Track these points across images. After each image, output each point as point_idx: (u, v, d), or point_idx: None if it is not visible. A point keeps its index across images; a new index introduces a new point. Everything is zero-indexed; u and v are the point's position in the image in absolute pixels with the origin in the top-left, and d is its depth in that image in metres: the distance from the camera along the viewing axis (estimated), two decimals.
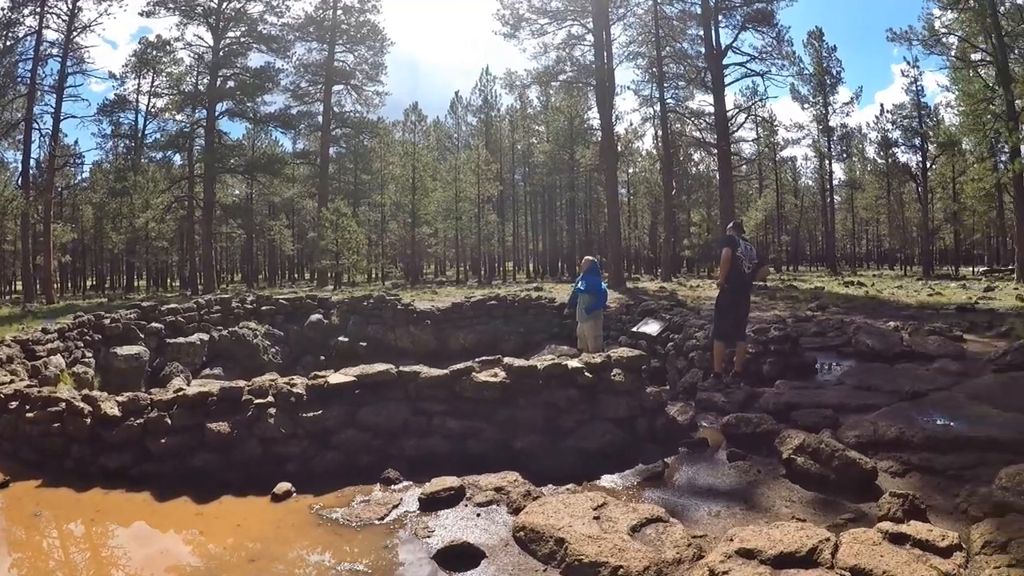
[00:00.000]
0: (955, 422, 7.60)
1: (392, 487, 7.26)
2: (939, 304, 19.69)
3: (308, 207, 62.14)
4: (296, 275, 66.22)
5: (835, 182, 67.27)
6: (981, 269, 54.94)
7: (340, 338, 22.00)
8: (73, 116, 50.73)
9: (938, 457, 6.85)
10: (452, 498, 6.59)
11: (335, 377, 8.45)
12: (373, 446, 7.93)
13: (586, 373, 8.50)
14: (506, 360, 8.73)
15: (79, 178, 63.13)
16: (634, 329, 15.81)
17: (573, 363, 8.64)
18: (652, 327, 15.47)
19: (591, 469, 7.58)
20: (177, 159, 52.96)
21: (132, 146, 53.97)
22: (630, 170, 67.56)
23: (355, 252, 45.72)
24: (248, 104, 50.33)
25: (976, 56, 35.65)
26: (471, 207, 54.22)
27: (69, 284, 63.56)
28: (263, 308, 22.39)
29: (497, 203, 64.69)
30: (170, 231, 50.46)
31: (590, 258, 15.35)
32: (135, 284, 60.30)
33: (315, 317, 22.53)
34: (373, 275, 62.99)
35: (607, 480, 7.42)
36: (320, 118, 54.96)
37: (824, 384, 10.52)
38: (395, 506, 6.67)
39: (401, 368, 8.55)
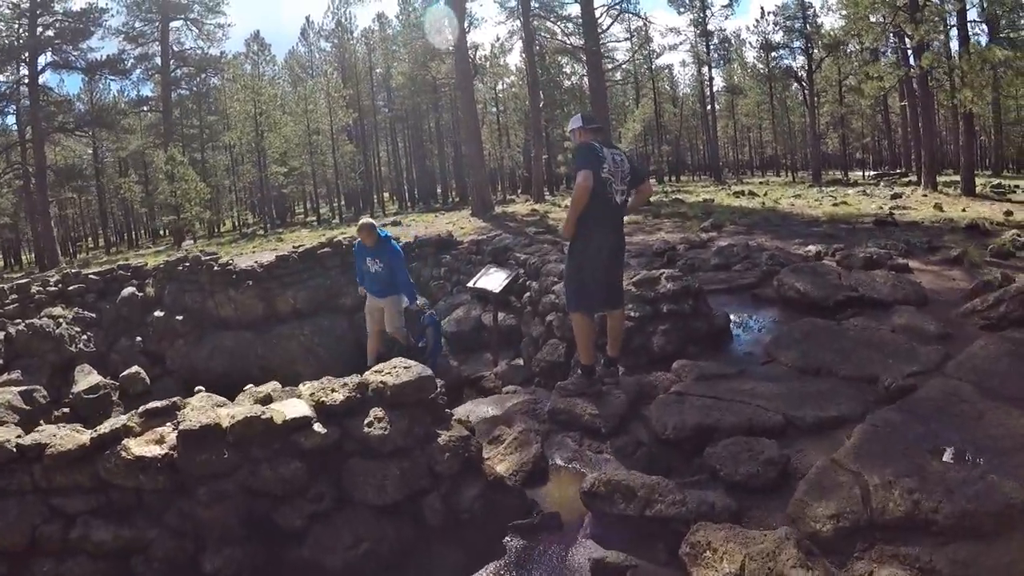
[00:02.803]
0: (997, 463, 4.25)
1: None
2: (851, 216, 17.13)
3: (160, 159, 56.46)
4: (161, 233, 60.51)
5: (715, 88, 65.46)
6: (871, 173, 53.69)
7: (156, 313, 18.97)
8: None
9: (987, 551, 3.61)
10: None
11: None
12: None
13: (316, 427, 4.83)
14: (181, 413, 5.00)
15: None
16: (471, 284, 11.93)
17: (293, 410, 4.94)
18: (494, 280, 11.31)
19: None
20: (11, 121, 46.48)
21: None
22: (498, 86, 63.46)
23: (197, 203, 41.34)
24: (73, 53, 44.43)
25: None
26: (325, 140, 49.76)
27: None
28: (70, 288, 19.14)
29: (358, 132, 60.58)
30: (8, 204, 46.42)
31: (366, 220, 11.18)
32: None
33: (128, 291, 19.52)
34: (236, 224, 57.64)
35: None
36: (159, 60, 50.02)
37: (748, 366, 7.07)
38: None
39: (20, 439, 4.77)
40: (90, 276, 19.87)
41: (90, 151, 55.92)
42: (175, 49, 50.66)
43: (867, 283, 8.60)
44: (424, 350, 10.47)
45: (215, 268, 19.19)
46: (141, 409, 5.07)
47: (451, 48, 29.65)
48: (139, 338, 18.60)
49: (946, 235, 13.00)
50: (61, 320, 17.62)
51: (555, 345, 9.06)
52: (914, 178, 35.56)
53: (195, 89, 54.62)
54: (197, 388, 14.36)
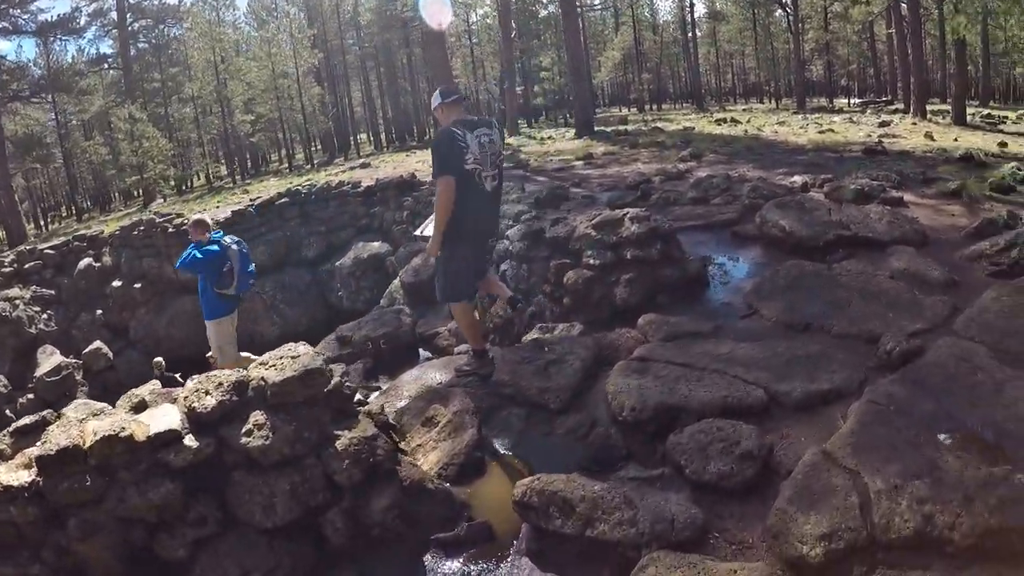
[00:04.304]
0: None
1: None
2: (838, 145, 15.96)
3: (120, 118, 54.54)
4: (134, 195, 58.68)
5: (697, 15, 64.07)
6: (857, 101, 51.74)
7: (114, 283, 18.02)
8: None
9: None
10: None
11: None
12: None
13: (187, 441, 4.02)
14: (46, 432, 4.22)
15: None
16: (417, 232, 10.85)
17: (159, 422, 4.11)
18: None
19: None
20: None
21: None
22: (471, 17, 60.76)
23: (161, 161, 38.74)
24: (23, 16, 41.79)
25: None
26: (291, 83, 47.30)
27: None
28: (26, 266, 18.18)
29: (327, 73, 58.07)
30: None
31: (197, 216, 9.82)
32: None
33: (84, 263, 18.50)
34: (209, 178, 55.72)
35: None
36: (115, 14, 47.22)
37: (726, 321, 6.16)
38: None
39: None
40: (45, 251, 18.96)
41: (52, 117, 53.34)
42: (131, 2, 48.08)
43: (860, 220, 7.62)
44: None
45: (169, 230, 18.30)
46: (12, 427, 4.37)
47: None
48: (99, 311, 17.78)
49: (940, 166, 11.98)
50: (18, 301, 16.66)
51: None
52: (901, 106, 34.30)
53: (154, 41, 52.32)
54: (156, 360, 13.58)
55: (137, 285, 17.75)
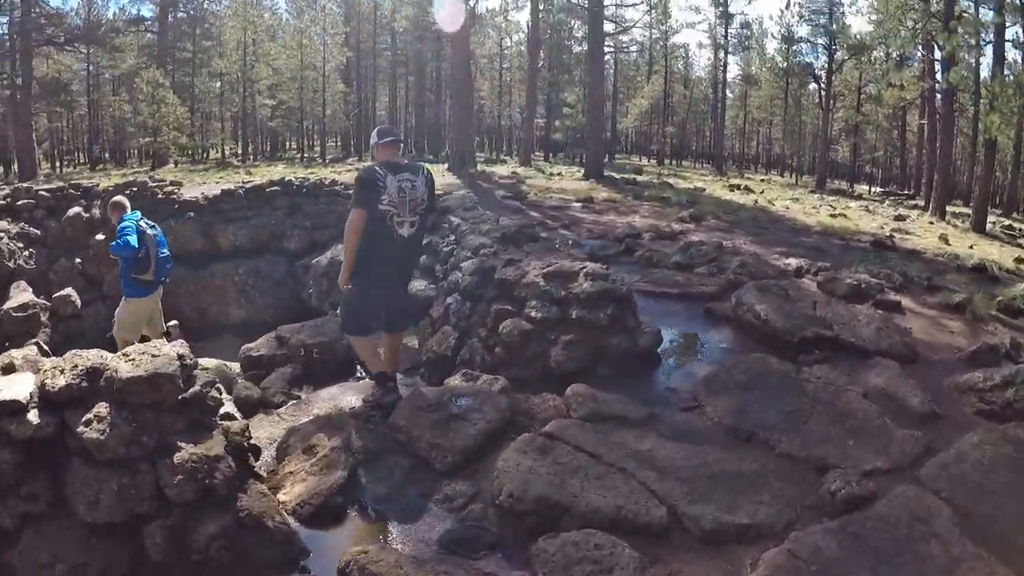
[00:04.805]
0: None
1: None
2: (847, 232, 15.07)
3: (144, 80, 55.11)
4: (149, 155, 59.11)
5: (730, 76, 63.05)
6: (878, 190, 50.63)
7: (98, 236, 18.08)
8: None
9: None
10: None
11: None
12: None
13: (30, 416, 4.00)
14: None
15: None
16: None
17: (9, 391, 4.05)
18: None
19: None
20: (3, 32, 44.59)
21: None
22: (505, 42, 60.75)
23: (175, 128, 39.38)
24: None
25: None
26: (317, 76, 47.33)
27: None
28: (19, 203, 18.43)
29: (355, 73, 57.82)
30: None
31: (117, 199, 9.42)
32: None
33: (73, 211, 18.83)
34: (223, 153, 55.66)
35: None
36: None
37: (664, 410, 5.31)
38: None
39: None
40: (40, 192, 19.20)
41: (84, 67, 54.41)
42: None
43: (846, 320, 6.78)
44: None
45: (158, 195, 18.76)
46: None
47: None
48: (79, 260, 17.90)
49: (949, 273, 11.08)
50: (3, 235, 16.92)
51: (446, 334, 7.28)
52: (921, 203, 33.39)
53: (192, 12, 52.94)
54: (172, 323, 13.37)
55: None
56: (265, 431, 6.07)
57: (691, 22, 69.83)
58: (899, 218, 21.32)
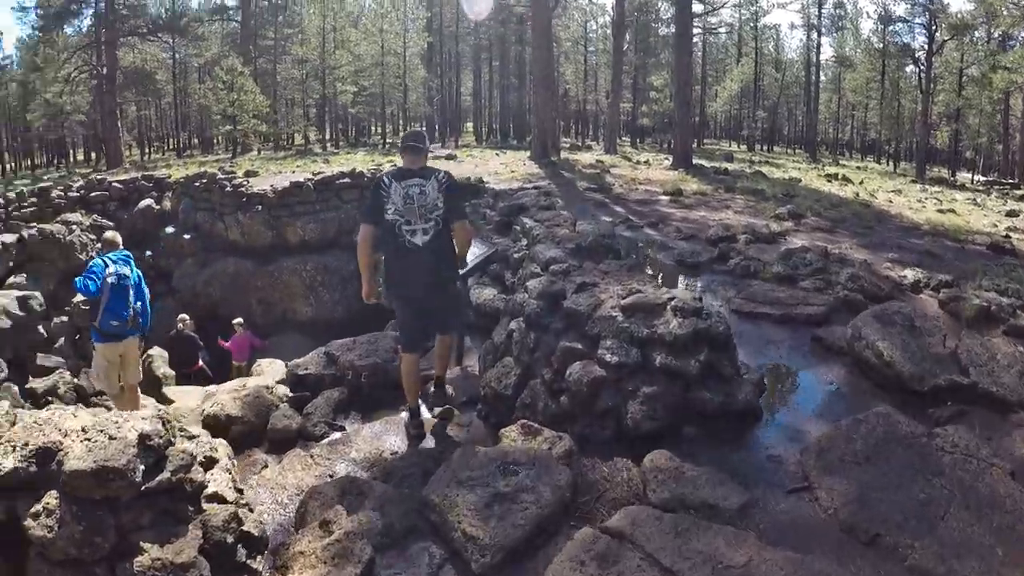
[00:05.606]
0: None
1: None
2: (959, 232, 13.56)
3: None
4: (236, 142, 60.77)
5: (823, 58, 60.94)
6: (980, 179, 47.88)
7: (167, 229, 19.21)
8: None
9: None
10: None
11: None
12: None
13: None
14: None
15: None
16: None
17: None
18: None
19: None
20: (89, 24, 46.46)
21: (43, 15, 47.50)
22: (589, 24, 60.16)
23: (253, 115, 40.27)
24: None
25: None
26: (398, 62, 47.61)
27: None
28: (92, 195, 19.39)
29: (439, 59, 57.94)
30: (84, 103, 45.99)
31: (110, 235, 8.83)
32: (56, 162, 56.43)
33: (145, 203, 19.88)
34: (306, 140, 56.30)
35: None
36: None
37: (763, 492, 4.26)
38: None
39: None
40: (113, 184, 20.18)
41: (167, 56, 55.77)
42: None
43: (983, 361, 5.59)
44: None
45: (227, 188, 18.87)
46: None
47: None
48: (149, 252, 18.56)
49: None
50: (75, 227, 17.78)
51: (507, 369, 6.25)
52: None
53: (273, 1, 54.12)
54: (180, 316, 13.97)
55: (187, 236, 18.73)
56: (294, 477, 5.57)
57: (782, 1, 67.22)
58: (1011, 213, 19.55)
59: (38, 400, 11.37)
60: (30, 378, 12.26)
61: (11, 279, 16.22)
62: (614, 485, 4.28)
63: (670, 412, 4.89)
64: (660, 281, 6.61)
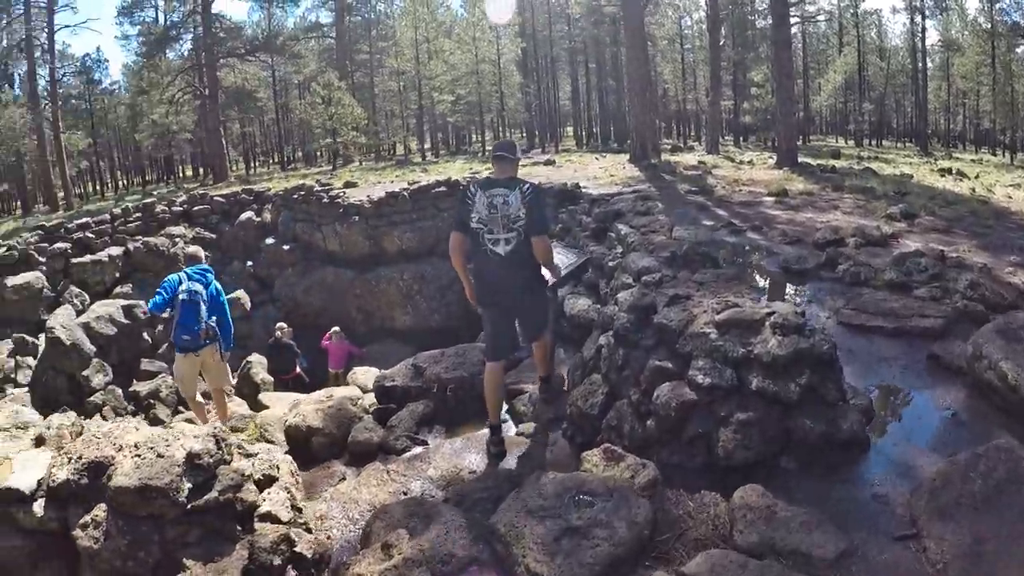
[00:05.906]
0: None
1: None
2: None
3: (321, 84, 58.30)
4: (338, 154, 63.08)
5: (928, 43, 57.59)
6: None
7: (268, 240, 20.11)
8: (67, 26, 61.99)
9: None
10: None
11: None
12: None
13: (35, 507, 3.85)
14: None
15: (106, 82, 62.55)
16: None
17: (16, 477, 3.91)
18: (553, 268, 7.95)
19: None
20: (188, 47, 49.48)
21: (145, 42, 50.70)
22: (684, 21, 59.51)
23: (353, 128, 41.80)
24: None
25: None
26: (492, 69, 47.91)
27: (96, 187, 62.08)
28: (195, 209, 20.60)
29: (534, 64, 57.90)
30: (190, 122, 48.69)
31: (192, 250, 9.44)
32: (166, 178, 59.38)
33: (245, 215, 20.76)
34: (407, 150, 57.76)
35: None
36: None
37: (864, 539, 3.80)
38: None
39: None
40: (215, 198, 21.24)
41: (266, 74, 58.00)
42: None
43: None
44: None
45: (324, 200, 19.72)
46: None
47: None
48: (250, 263, 19.61)
49: None
50: (179, 239, 18.88)
51: (593, 386, 5.98)
52: None
53: (366, 15, 56.40)
54: (278, 324, 14.45)
55: (287, 247, 19.49)
56: (368, 492, 5.53)
57: None
58: None
59: (140, 402, 12.11)
60: (134, 382, 12.90)
61: (118, 288, 17.17)
62: (698, 523, 3.95)
63: (766, 441, 4.52)
64: (766, 289, 6.24)
